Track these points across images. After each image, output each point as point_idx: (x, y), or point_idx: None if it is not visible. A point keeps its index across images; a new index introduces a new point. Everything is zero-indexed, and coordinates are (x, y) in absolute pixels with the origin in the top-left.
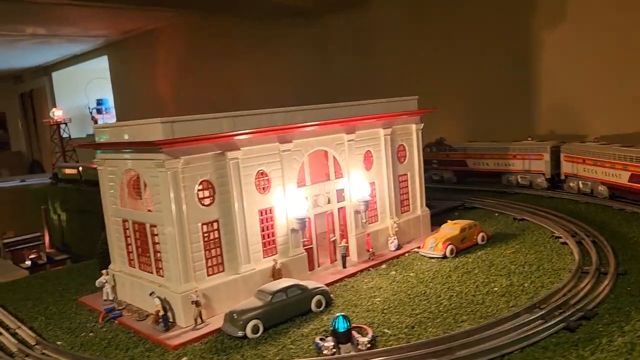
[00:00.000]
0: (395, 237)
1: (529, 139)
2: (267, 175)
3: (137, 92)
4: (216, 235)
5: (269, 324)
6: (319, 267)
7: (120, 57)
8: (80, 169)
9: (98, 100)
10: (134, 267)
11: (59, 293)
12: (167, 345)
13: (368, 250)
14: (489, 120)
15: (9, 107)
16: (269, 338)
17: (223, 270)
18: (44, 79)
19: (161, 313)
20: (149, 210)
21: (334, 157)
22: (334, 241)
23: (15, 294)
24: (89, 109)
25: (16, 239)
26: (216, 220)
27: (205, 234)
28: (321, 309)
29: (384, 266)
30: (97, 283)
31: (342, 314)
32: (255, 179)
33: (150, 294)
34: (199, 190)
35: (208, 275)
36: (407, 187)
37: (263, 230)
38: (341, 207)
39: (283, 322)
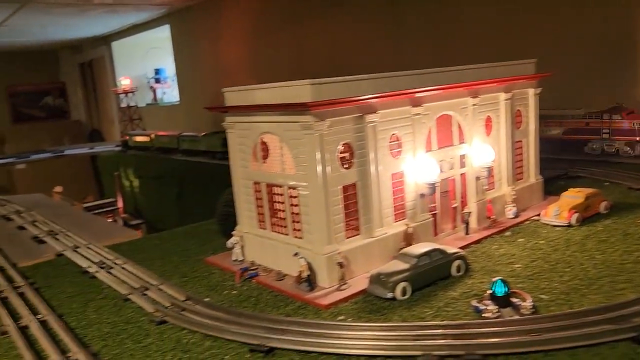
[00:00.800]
0: (514, 205)
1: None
2: (399, 139)
3: (200, 61)
4: (354, 199)
5: (416, 286)
6: (442, 232)
7: (183, 26)
8: (153, 136)
9: (156, 69)
10: (265, 229)
11: (183, 253)
12: (318, 305)
13: (489, 217)
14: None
15: (68, 77)
16: (420, 300)
17: (359, 234)
18: (104, 49)
19: (307, 273)
20: (289, 173)
21: (458, 122)
22: (456, 207)
23: (139, 253)
24: (147, 78)
25: (95, 203)
26: (354, 184)
27: (345, 197)
28: (460, 273)
29: (508, 233)
30: (228, 244)
31: (500, 277)
32: (389, 142)
33: (295, 255)
34: (340, 153)
35: (347, 238)
36: (521, 154)
37: (395, 195)
38: (462, 173)
39: (427, 286)
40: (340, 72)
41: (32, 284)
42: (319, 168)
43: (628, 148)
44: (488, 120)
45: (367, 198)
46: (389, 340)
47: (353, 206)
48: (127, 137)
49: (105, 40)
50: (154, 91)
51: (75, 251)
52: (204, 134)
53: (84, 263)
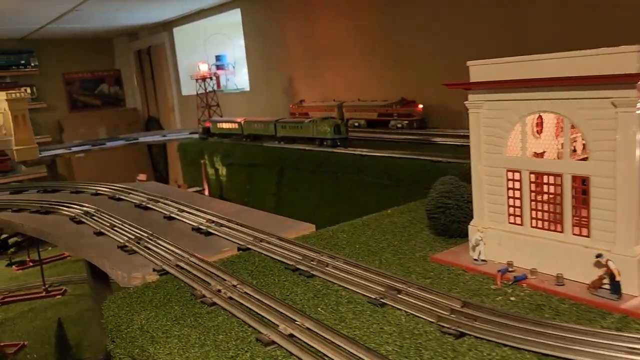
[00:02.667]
0: None
1: None
2: None
3: (272, 46)
4: None
5: None
6: None
7: (255, 9)
8: (242, 122)
9: (217, 56)
10: (519, 225)
11: (391, 250)
12: None
13: None
14: None
15: (124, 64)
16: None
17: None
18: (164, 35)
19: (618, 279)
20: (576, 160)
21: None
22: None
23: (334, 247)
24: (209, 65)
25: (190, 190)
26: None
27: None
28: None
29: None
30: (473, 241)
31: None
32: None
33: (598, 257)
34: None
35: None
36: None
37: None
38: None
39: None
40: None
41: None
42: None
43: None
44: None
45: None
46: None
47: None
48: (209, 124)
49: (166, 26)
50: (217, 78)
51: (258, 245)
52: (309, 119)
53: (284, 259)
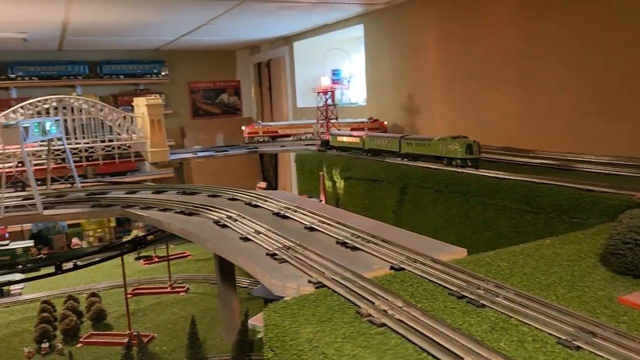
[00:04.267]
0: None
1: None
2: None
3: (392, 63)
4: None
5: None
6: None
7: (378, 26)
8: (364, 137)
9: (333, 70)
10: None
11: (566, 285)
12: None
13: None
14: None
15: (244, 75)
16: None
17: None
18: (284, 49)
19: None
20: None
21: None
22: None
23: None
24: (320, 80)
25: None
26: None
27: None
28: None
29: None
30: None
31: None
32: None
33: None
34: None
35: None
36: None
37: None
38: None
39: None
40: None
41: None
42: None
43: None
44: None
45: None
46: None
47: None
48: (329, 137)
49: (287, 40)
50: (333, 92)
51: (413, 265)
52: (438, 137)
53: (445, 284)
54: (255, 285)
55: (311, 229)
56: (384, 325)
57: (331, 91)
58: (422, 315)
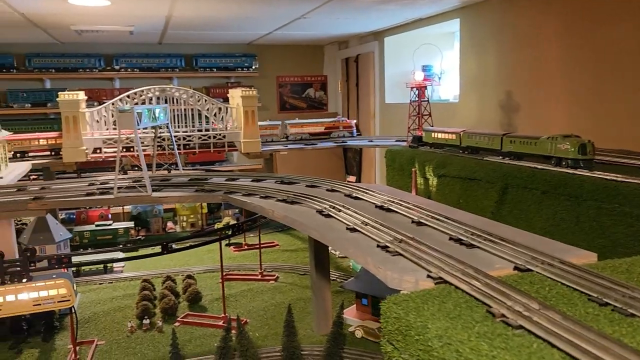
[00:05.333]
0: None
1: None
2: None
3: (490, 59)
4: None
5: None
6: None
7: (475, 20)
8: (461, 134)
9: (424, 66)
10: None
11: None
12: None
13: None
14: None
15: (331, 70)
16: None
17: None
18: (374, 44)
19: None
20: None
21: None
22: None
23: None
24: (413, 75)
25: None
26: None
27: None
28: None
29: None
30: None
31: None
32: None
33: None
34: None
35: None
36: None
37: None
38: None
39: None
40: None
41: None
42: None
43: None
44: None
45: None
46: None
47: None
48: (422, 133)
49: (377, 35)
50: (424, 88)
51: (540, 267)
52: (547, 136)
53: (582, 288)
54: (346, 279)
55: (419, 224)
56: (521, 327)
57: (425, 87)
58: (565, 320)
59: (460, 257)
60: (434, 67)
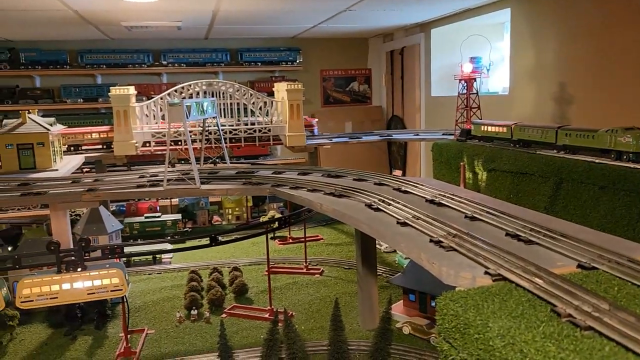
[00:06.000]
0: None
1: None
2: None
3: (546, 51)
4: None
5: None
6: None
7: (529, 10)
8: (513, 127)
9: (472, 58)
10: None
11: None
12: None
13: None
14: None
15: (375, 63)
16: None
17: None
18: (419, 36)
19: None
20: None
21: None
22: None
23: None
24: (462, 67)
25: None
26: None
27: None
28: None
29: None
30: None
31: None
32: None
33: None
34: None
35: None
36: None
37: None
38: None
39: None
40: None
41: None
42: None
43: None
44: None
45: None
46: None
47: None
48: (470, 126)
49: (423, 27)
50: (473, 81)
51: (607, 265)
52: (606, 129)
53: None
54: (392, 274)
55: (473, 218)
56: (590, 328)
57: (473, 79)
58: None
59: (518, 254)
60: (482, 59)
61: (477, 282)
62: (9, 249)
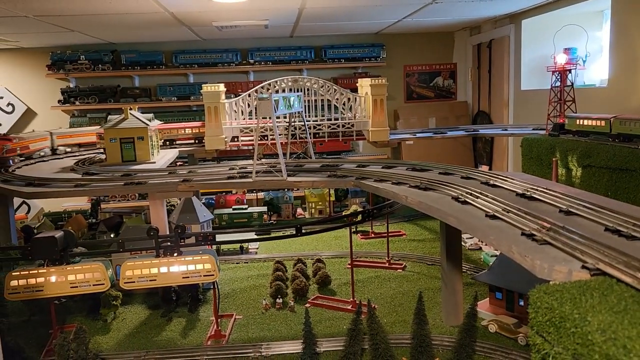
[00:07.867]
0: None
1: None
2: None
3: None
4: None
5: None
6: None
7: None
8: (612, 120)
9: (566, 49)
10: None
11: None
12: None
13: None
14: None
15: (461, 57)
16: None
17: None
18: (508, 28)
19: None
20: None
21: None
22: None
23: None
24: (555, 58)
25: None
26: None
27: None
28: None
29: None
30: None
31: None
32: None
33: None
34: None
35: None
36: None
37: None
38: None
39: None
40: None
41: None
42: None
43: None
44: None
45: None
46: None
47: None
48: (564, 120)
49: (513, 18)
50: (567, 72)
51: None
52: None
53: None
54: (476, 272)
55: (568, 213)
56: None
57: (568, 70)
58: None
59: (619, 249)
60: (577, 50)
61: (573, 276)
62: (112, 235)
